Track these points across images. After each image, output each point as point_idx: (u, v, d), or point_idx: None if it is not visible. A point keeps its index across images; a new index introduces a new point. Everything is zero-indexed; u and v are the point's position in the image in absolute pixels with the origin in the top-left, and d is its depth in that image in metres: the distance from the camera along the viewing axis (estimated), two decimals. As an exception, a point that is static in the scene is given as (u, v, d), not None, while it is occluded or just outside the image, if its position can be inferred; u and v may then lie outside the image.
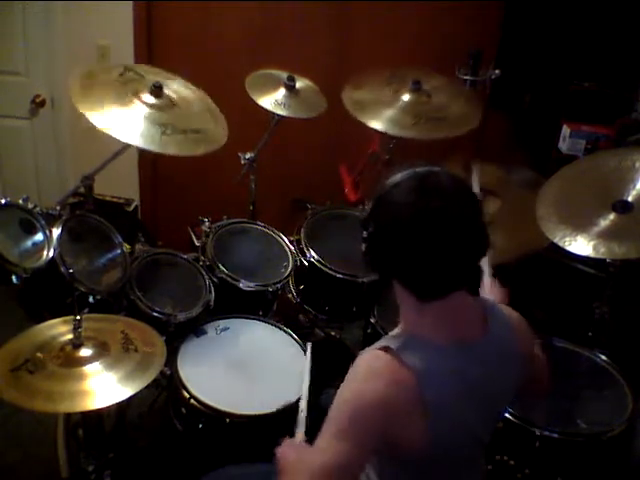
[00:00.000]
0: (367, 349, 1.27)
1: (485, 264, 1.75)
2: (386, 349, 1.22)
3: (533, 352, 1.42)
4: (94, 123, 1.93)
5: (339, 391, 1.22)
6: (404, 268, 1.22)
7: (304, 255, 2.37)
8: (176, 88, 2.25)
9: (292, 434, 1.46)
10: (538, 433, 1.72)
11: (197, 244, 2.37)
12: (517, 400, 1.41)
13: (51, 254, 1.91)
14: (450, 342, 1.23)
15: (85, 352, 1.65)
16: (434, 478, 1.29)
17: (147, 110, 2.08)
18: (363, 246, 1.26)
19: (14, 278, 1.85)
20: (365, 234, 1.24)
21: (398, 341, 1.24)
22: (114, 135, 1.96)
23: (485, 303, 1.34)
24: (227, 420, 1.83)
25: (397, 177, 1.21)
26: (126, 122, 2.01)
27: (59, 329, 1.74)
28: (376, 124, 2.33)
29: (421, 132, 2.32)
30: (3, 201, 1.91)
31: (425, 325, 1.24)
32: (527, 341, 1.39)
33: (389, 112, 2.36)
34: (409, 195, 1.17)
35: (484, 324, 1.29)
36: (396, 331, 1.31)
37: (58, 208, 2.07)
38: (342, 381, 1.24)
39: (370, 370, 1.21)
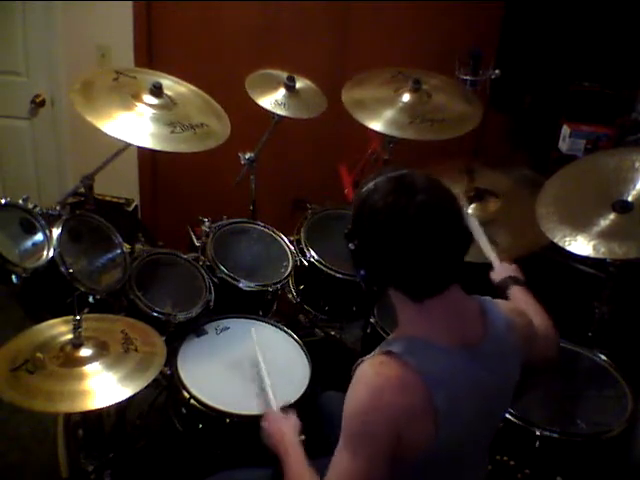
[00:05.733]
0: (367, 357, 1.26)
1: (487, 249, 1.79)
2: (389, 354, 1.21)
3: (531, 336, 1.42)
4: (110, 134, 1.94)
5: (347, 402, 1.21)
6: (397, 272, 1.21)
7: (304, 255, 2.37)
8: (170, 86, 2.26)
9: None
10: (538, 433, 1.72)
11: (197, 244, 2.37)
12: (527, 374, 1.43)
13: (51, 254, 1.91)
14: (452, 344, 1.23)
15: (85, 352, 1.65)
16: (437, 476, 1.28)
17: (152, 111, 2.09)
18: (352, 261, 1.25)
19: (14, 278, 1.85)
20: (352, 246, 1.23)
21: (399, 344, 1.23)
22: (130, 142, 1.98)
23: (481, 302, 1.34)
24: (227, 420, 1.83)
25: (370, 185, 1.21)
26: (137, 126, 2.03)
27: (59, 329, 1.74)
28: (374, 124, 2.33)
29: (417, 132, 2.31)
30: (3, 201, 1.91)
31: (426, 327, 1.24)
32: (524, 330, 1.39)
33: (388, 112, 2.36)
34: (388, 197, 1.17)
35: (483, 324, 1.29)
36: (393, 335, 1.30)
37: (58, 208, 2.06)
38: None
39: (376, 377, 1.19)
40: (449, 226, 1.19)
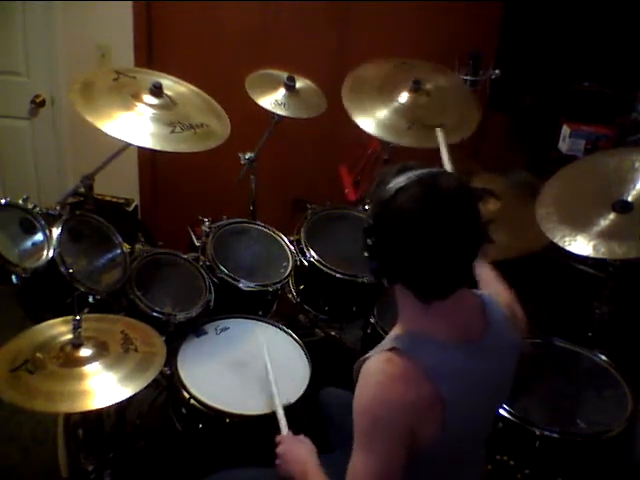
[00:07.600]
0: (372, 354, 1.26)
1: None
2: (394, 350, 1.22)
3: (519, 320, 1.44)
4: (110, 134, 1.94)
5: (356, 401, 1.21)
6: (412, 272, 1.21)
7: (304, 255, 2.37)
8: (170, 86, 2.26)
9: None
10: (538, 433, 1.72)
11: (197, 244, 2.37)
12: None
13: (51, 254, 1.91)
14: (454, 339, 1.24)
15: (85, 352, 1.65)
16: (438, 472, 1.29)
17: (152, 111, 2.09)
18: (367, 254, 1.24)
19: (14, 278, 1.85)
20: (370, 242, 1.22)
21: (403, 340, 1.24)
22: (130, 142, 1.97)
23: (481, 297, 1.35)
24: (227, 420, 1.83)
25: (399, 182, 1.19)
26: (137, 126, 2.02)
27: (59, 329, 1.74)
28: (372, 128, 2.33)
29: (416, 138, 2.30)
30: (3, 201, 1.91)
31: (428, 323, 1.25)
32: (516, 322, 1.40)
33: (385, 114, 2.36)
34: (417, 202, 1.16)
35: (484, 319, 1.30)
36: (395, 331, 1.31)
37: (58, 208, 2.06)
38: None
39: (384, 374, 1.20)
40: (467, 234, 1.20)
